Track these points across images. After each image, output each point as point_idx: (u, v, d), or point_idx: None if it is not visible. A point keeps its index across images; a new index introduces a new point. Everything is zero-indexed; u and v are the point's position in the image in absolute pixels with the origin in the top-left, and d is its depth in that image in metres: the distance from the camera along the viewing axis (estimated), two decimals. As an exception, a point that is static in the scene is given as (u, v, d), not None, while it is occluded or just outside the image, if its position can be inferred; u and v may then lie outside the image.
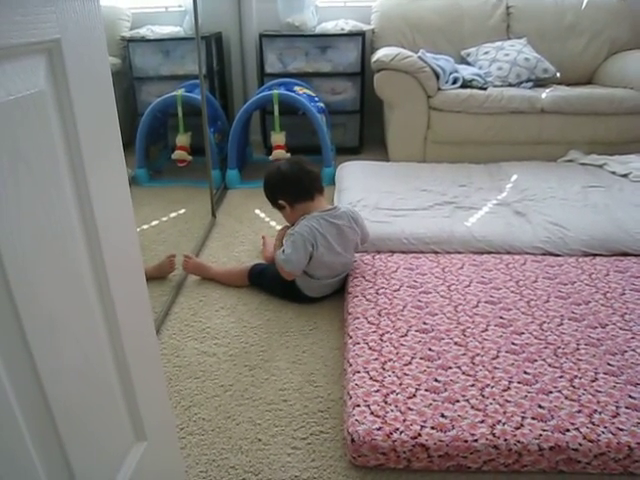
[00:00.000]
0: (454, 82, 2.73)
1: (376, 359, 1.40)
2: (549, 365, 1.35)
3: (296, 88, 2.90)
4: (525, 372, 1.33)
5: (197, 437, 1.32)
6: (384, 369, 1.36)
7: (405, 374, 1.34)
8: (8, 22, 0.57)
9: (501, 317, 1.55)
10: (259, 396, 1.43)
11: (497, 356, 1.39)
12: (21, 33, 0.59)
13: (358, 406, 1.24)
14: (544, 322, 1.52)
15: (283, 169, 1.84)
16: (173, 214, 2.57)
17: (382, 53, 2.70)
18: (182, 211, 2.60)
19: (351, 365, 1.39)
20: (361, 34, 3.01)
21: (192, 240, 2.28)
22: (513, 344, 1.43)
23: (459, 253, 1.93)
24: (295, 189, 1.81)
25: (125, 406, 0.90)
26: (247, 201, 2.71)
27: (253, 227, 2.42)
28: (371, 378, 1.33)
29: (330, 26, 3.06)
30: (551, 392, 1.26)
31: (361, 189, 2.38)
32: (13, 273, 0.59)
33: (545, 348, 1.41)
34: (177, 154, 2.82)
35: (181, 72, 3.08)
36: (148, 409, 0.95)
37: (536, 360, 1.37)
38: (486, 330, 1.49)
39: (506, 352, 1.40)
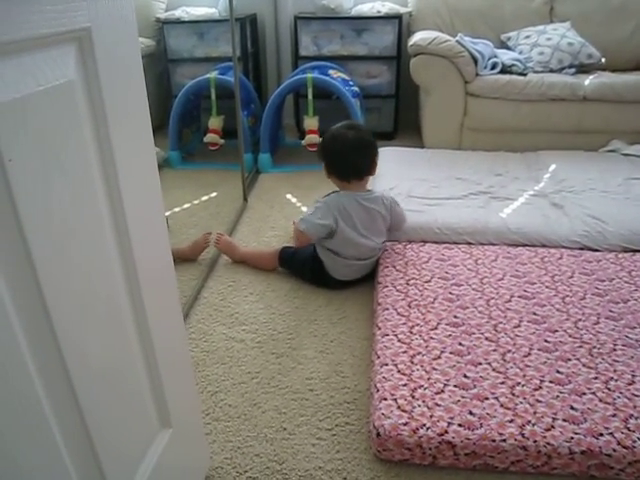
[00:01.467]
0: (493, 67, 2.65)
1: (405, 352, 1.38)
2: (583, 365, 1.31)
3: (330, 72, 2.86)
4: (558, 371, 1.29)
5: (223, 424, 1.32)
6: (412, 362, 1.34)
7: (434, 369, 1.32)
8: (38, 11, 0.56)
9: (534, 313, 1.51)
10: (285, 384, 1.43)
11: (529, 353, 1.35)
12: (51, 22, 0.58)
13: (385, 400, 1.23)
14: (579, 320, 1.47)
15: (352, 138, 1.72)
16: (205, 197, 2.58)
17: (419, 37, 2.64)
18: (214, 194, 2.60)
19: (379, 357, 1.37)
20: (398, 17, 2.94)
21: (223, 224, 2.28)
22: (546, 342, 1.39)
23: (493, 245, 1.89)
24: (341, 163, 1.76)
25: (151, 394, 0.90)
26: (279, 185, 2.69)
27: (284, 212, 2.41)
28: (399, 371, 1.31)
29: (366, 8, 3.00)
30: (584, 394, 1.22)
31: (394, 176, 2.34)
32: (41, 265, 0.58)
33: (580, 347, 1.37)
34: (209, 137, 2.82)
35: (215, 54, 3.07)
36: (174, 396, 0.96)
37: (570, 359, 1.33)
38: (518, 326, 1.46)
39: (538, 350, 1.37)
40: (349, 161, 1.74)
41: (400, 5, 3.05)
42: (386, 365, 1.34)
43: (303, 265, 1.84)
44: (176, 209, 2.44)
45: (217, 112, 2.82)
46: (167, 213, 2.38)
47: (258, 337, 1.62)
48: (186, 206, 2.48)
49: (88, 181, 0.68)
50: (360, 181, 1.78)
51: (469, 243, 1.91)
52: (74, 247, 0.65)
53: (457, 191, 2.19)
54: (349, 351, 1.55)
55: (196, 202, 2.52)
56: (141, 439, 0.88)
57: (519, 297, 1.58)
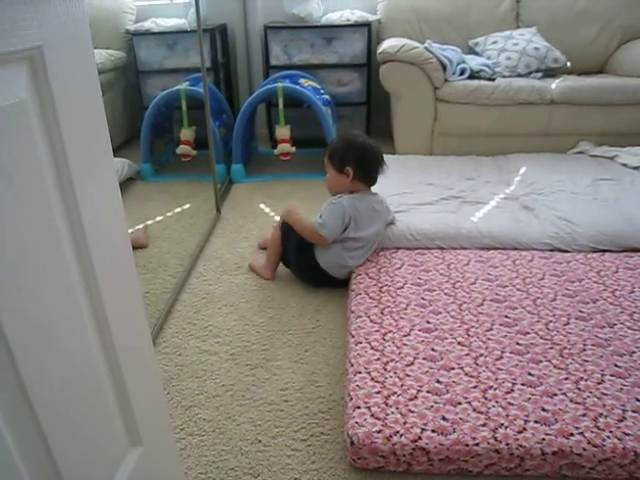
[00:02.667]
0: (461, 73, 2.68)
1: (378, 359, 1.38)
2: (554, 366, 1.32)
3: (301, 80, 2.87)
4: (529, 374, 1.30)
5: (197, 438, 1.31)
6: (386, 370, 1.34)
7: (407, 375, 1.32)
8: (-17, 31, 0.55)
9: (506, 316, 1.52)
10: (260, 396, 1.42)
11: (501, 357, 1.37)
12: (-2, 42, 0.57)
13: (358, 408, 1.23)
14: (550, 321, 1.49)
15: (374, 146, 1.86)
16: (178, 209, 2.56)
17: (388, 44, 2.66)
18: (187, 206, 2.59)
19: (352, 365, 1.37)
20: (367, 24, 2.97)
21: (196, 236, 2.27)
22: (518, 344, 1.41)
23: (465, 249, 1.91)
24: (371, 170, 1.84)
25: (119, 412, 0.89)
26: (252, 195, 2.69)
27: (257, 222, 2.41)
28: (372, 379, 1.31)
29: (336, 17, 3.02)
30: (555, 395, 1.23)
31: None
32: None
33: (551, 349, 1.39)
34: (181, 149, 2.80)
35: (186, 65, 3.05)
36: (143, 414, 0.94)
37: (541, 361, 1.34)
38: (490, 329, 1.47)
39: (510, 353, 1.38)
40: (378, 168, 1.83)
41: (369, 13, 3.08)
42: (359, 373, 1.34)
43: (293, 246, 1.85)
44: (149, 222, 2.42)
45: (188, 123, 2.81)
46: (140, 226, 2.37)
47: (232, 349, 1.61)
48: (159, 219, 2.46)
49: (44, 204, 0.66)
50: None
51: (442, 248, 1.92)
52: (30, 274, 0.64)
53: (429, 196, 2.20)
54: (324, 360, 1.54)
55: (169, 214, 2.51)
56: (109, 459, 0.87)
57: (491, 300, 1.60)
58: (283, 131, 2.79)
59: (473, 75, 2.73)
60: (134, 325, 0.92)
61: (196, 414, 1.38)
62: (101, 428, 0.84)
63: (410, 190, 2.26)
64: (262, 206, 2.57)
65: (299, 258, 1.86)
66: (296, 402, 1.40)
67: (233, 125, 2.85)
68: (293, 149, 2.80)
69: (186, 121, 2.80)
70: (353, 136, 1.90)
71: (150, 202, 2.64)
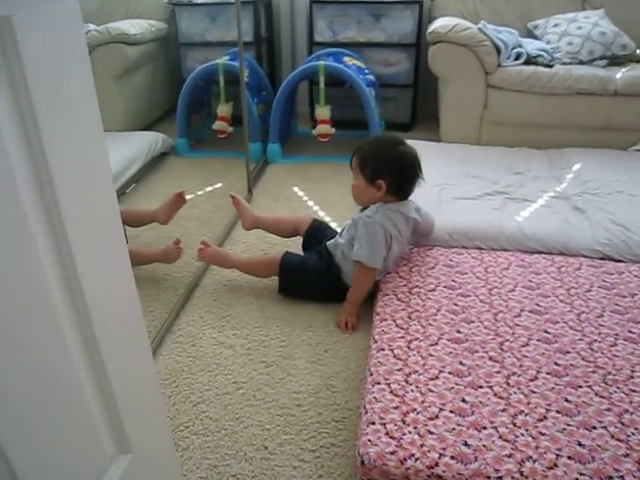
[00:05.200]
0: (517, 58, 2.48)
1: (400, 370, 1.27)
2: (596, 394, 1.19)
3: (345, 59, 2.73)
4: (566, 400, 1.17)
5: (201, 438, 1.24)
6: (407, 382, 1.23)
7: (430, 390, 1.21)
8: None
9: (546, 331, 1.39)
10: (272, 397, 1.34)
11: (536, 377, 1.24)
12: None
13: (373, 424, 1.13)
14: (595, 340, 1.35)
15: (414, 157, 1.60)
16: (209, 188, 2.49)
17: (439, 24, 2.48)
18: (218, 185, 2.51)
19: (372, 374, 1.27)
20: (418, 2, 2.79)
21: (224, 217, 2.19)
22: (556, 364, 1.27)
23: (506, 251, 1.76)
24: (407, 187, 1.61)
25: (103, 417, 0.81)
26: (286, 177, 2.59)
27: (289, 206, 2.31)
28: (392, 392, 1.21)
29: (386, -8, 2.85)
30: (595, 427, 1.10)
31: (406, 172, 2.22)
32: None
33: (593, 372, 1.25)
34: (217, 125, 2.72)
35: (227, 38, 2.95)
36: (133, 418, 0.86)
37: (581, 386, 1.21)
38: (527, 345, 1.34)
39: (547, 374, 1.25)
40: (415, 183, 1.61)
41: (423, -11, 2.89)
42: (378, 384, 1.23)
43: (315, 275, 1.66)
44: (178, 200, 2.35)
45: (226, 99, 2.72)
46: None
47: (248, 343, 1.53)
48: (189, 197, 2.37)
49: (18, 215, 0.58)
50: None
51: (480, 249, 1.78)
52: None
53: (472, 190, 2.05)
54: (343, 363, 1.45)
55: (200, 193, 2.44)
56: (91, 468, 0.80)
57: (530, 312, 1.46)
58: (323, 111, 2.67)
59: (529, 61, 2.52)
60: (121, 314, 0.83)
61: (203, 412, 1.31)
62: (79, 436, 0.76)
63: (452, 182, 2.12)
64: (295, 189, 2.47)
65: (325, 284, 1.66)
66: (309, 407, 1.31)
67: (272, 103, 2.75)
68: (332, 130, 2.68)
69: (223, 97, 2.71)
70: (390, 142, 1.64)
71: (182, 179, 2.58)
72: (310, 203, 2.32)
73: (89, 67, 0.68)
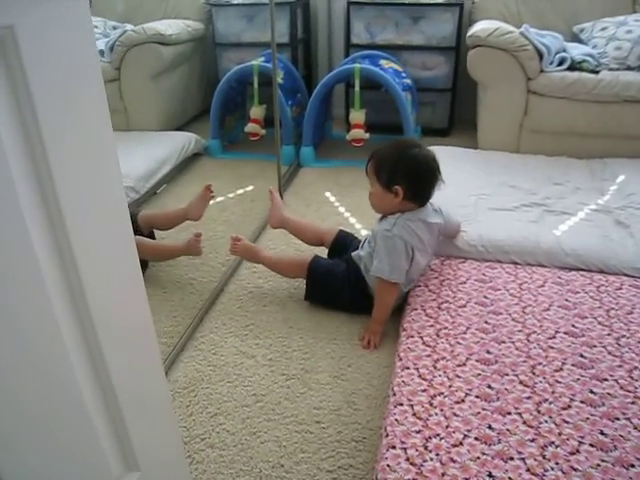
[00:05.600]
0: (560, 63, 2.38)
1: (424, 390, 1.22)
2: (634, 427, 1.11)
3: (382, 62, 2.68)
4: (602, 432, 1.10)
5: (217, 452, 1.21)
6: (431, 404, 1.18)
7: (455, 414, 1.15)
8: None
9: (582, 355, 1.31)
10: (291, 412, 1.31)
11: (569, 406, 1.17)
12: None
13: (393, 448, 1.08)
14: (635, 368, 1.27)
15: (431, 160, 1.53)
16: (240, 191, 2.47)
17: (479, 27, 2.40)
18: (249, 188, 2.49)
19: (394, 394, 1.22)
20: (459, 4, 2.71)
21: (254, 221, 2.17)
22: (591, 392, 1.20)
23: (542, 267, 1.68)
24: (425, 191, 1.54)
25: (109, 433, 0.78)
26: (319, 181, 2.55)
27: (320, 212, 2.27)
28: (415, 414, 1.16)
29: (426, -6, 2.78)
30: (632, 465, 1.03)
31: (440, 180, 2.15)
32: None
33: (632, 404, 1.17)
34: (250, 127, 2.71)
35: (264, 39, 2.92)
36: (141, 435, 0.84)
37: (618, 418, 1.13)
38: (560, 370, 1.27)
39: (581, 402, 1.17)
40: (434, 187, 1.54)
41: (463, -9, 2.81)
42: (401, 405, 1.18)
43: (343, 283, 1.61)
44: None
45: (259, 101, 2.70)
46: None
47: (270, 354, 1.49)
48: (219, 199, 2.37)
49: (22, 237, 0.56)
50: None
51: (516, 263, 1.71)
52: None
53: (509, 201, 1.97)
54: (366, 379, 1.40)
55: (230, 196, 2.42)
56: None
57: (565, 333, 1.38)
58: (357, 115, 2.62)
59: (574, 66, 2.42)
60: (130, 324, 0.80)
61: (220, 424, 1.28)
62: (82, 454, 0.74)
63: (489, 192, 2.04)
64: (327, 194, 2.43)
65: (352, 293, 1.61)
66: (329, 425, 1.27)
67: (307, 105, 2.71)
68: (366, 135, 2.63)
69: (257, 98, 2.69)
70: (405, 146, 1.55)
71: (213, 180, 2.54)
72: (341, 209, 2.28)
73: (100, 77, 0.65)
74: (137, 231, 1.81)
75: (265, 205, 2.28)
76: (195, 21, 3.00)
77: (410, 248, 1.50)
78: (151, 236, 1.87)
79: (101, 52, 2.70)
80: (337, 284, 1.61)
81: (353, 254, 1.63)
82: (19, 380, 0.61)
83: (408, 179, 1.49)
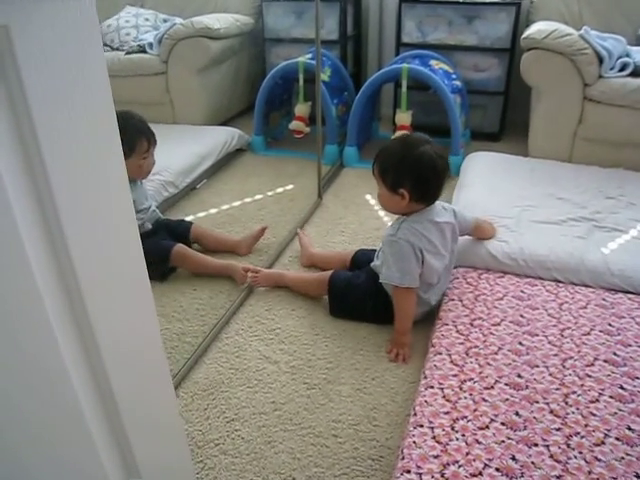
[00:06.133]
0: (622, 68, 2.24)
1: (447, 413, 1.16)
2: (673, 473, 1.02)
3: (432, 62, 2.59)
4: (637, 475, 1.02)
5: (229, 459, 1.19)
6: (453, 429, 1.12)
7: (477, 441, 1.09)
8: None
9: (621, 386, 1.22)
10: (309, 424, 1.27)
11: (602, 442, 1.09)
12: None
13: (408, 472, 1.03)
14: (679, 405, 1.17)
15: (437, 160, 1.43)
16: (280, 189, 2.45)
17: (535, 28, 2.29)
18: (289, 187, 2.47)
19: (415, 414, 1.17)
20: (516, 3, 2.59)
21: (291, 222, 2.14)
22: (629, 429, 1.11)
23: (586, 287, 1.58)
24: (432, 192, 1.47)
25: (106, 439, 0.77)
26: (360, 183, 2.50)
27: (359, 215, 2.23)
28: (434, 437, 1.11)
29: (481, -8, 2.67)
30: (667, 515, 0.95)
31: (484, 188, 2.06)
32: None
33: (673, 445, 1.08)
34: (294, 124, 2.68)
35: (312, 35, 2.88)
36: (142, 440, 0.82)
37: (655, 461, 1.05)
38: (596, 401, 1.18)
39: (616, 439, 1.09)
40: (441, 187, 1.46)
41: (521, -10, 2.69)
42: (421, 427, 1.13)
43: (364, 293, 1.56)
44: (247, 199, 2.33)
45: (304, 98, 2.67)
46: (237, 203, 2.29)
47: (294, 360, 1.46)
48: (258, 197, 2.36)
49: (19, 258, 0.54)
50: None
51: (558, 281, 1.62)
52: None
53: (556, 214, 1.87)
54: (390, 395, 1.35)
55: (270, 194, 2.40)
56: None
57: (605, 361, 1.30)
58: (403, 117, 2.55)
59: (637, 72, 2.27)
60: (133, 333, 0.78)
61: (236, 430, 1.26)
62: (79, 459, 0.73)
63: (535, 203, 1.94)
64: (368, 197, 2.38)
65: (375, 302, 1.55)
66: (346, 440, 1.23)
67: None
68: (412, 138, 2.55)
69: (302, 96, 2.66)
70: (410, 144, 1.45)
71: (255, 177, 2.56)
72: (381, 213, 2.22)
73: (106, 81, 0.63)
74: (187, 240, 1.89)
75: (304, 205, 2.26)
76: (245, 15, 3.00)
77: (418, 250, 1.44)
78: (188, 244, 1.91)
79: (150, 45, 2.73)
80: (359, 294, 1.57)
81: (372, 264, 1.58)
82: (15, 386, 0.59)
83: (413, 181, 1.43)
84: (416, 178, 1.42)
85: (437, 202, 1.51)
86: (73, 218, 0.59)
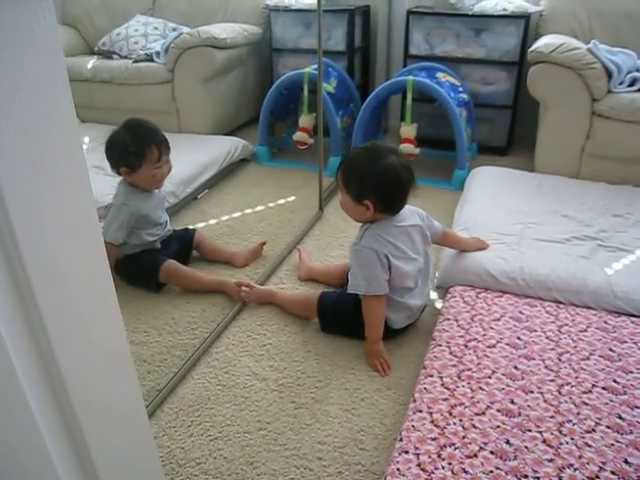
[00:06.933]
0: (631, 83, 2.19)
1: (435, 439, 1.12)
2: (669, 510, 0.97)
3: (439, 74, 2.56)
4: (630, 512, 0.97)
5: (210, 479, 1.16)
6: (440, 456, 1.08)
7: (464, 470, 1.05)
8: None
9: (619, 416, 1.17)
10: (293, 445, 1.24)
11: (597, 476, 1.04)
12: None
13: (390, 502, 0.99)
14: (680, 438, 1.12)
15: (401, 171, 1.41)
16: (281, 201, 2.42)
17: (543, 42, 2.24)
18: (291, 198, 2.44)
19: (402, 440, 1.13)
20: (525, 16, 2.55)
21: (290, 234, 2.11)
22: (626, 462, 1.06)
23: (588, 309, 1.53)
24: (396, 203, 1.46)
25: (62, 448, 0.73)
26: (363, 196, 2.46)
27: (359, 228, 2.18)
28: (419, 465, 1.06)
29: (490, 5, 2.63)
30: None
31: (488, 203, 2.02)
32: None
33: (671, 481, 1.03)
34: (297, 136, 2.66)
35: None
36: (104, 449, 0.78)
37: (651, 497, 1.00)
38: (592, 431, 1.13)
39: (612, 472, 1.04)
40: (406, 198, 1.45)
41: (531, 3, 2.65)
42: (406, 453, 1.09)
43: (353, 309, 1.51)
44: (247, 210, 2.31)
45: (309, 109, 2.64)
46: (237, 214, 2.27)
47: (283, 378, 1.43)
48: (259, 209, 2.34)
49: None
50: None
51: (558, 302, 1.57)
52: None
53: (559, 232, 1.82)
54: (378, 417, 1.31)
55: (271, 205, 2.38)
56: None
57: (604, 389, 1.24)
58: (408, 130, 2.52)
59: (648, 88, 2.23)
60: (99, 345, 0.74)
61: (219, 449, 1.23)
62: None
63: (538, 220, 1.90)
64: (370, 210, 2.34)
65: (359, 319, 1.50)
66: (330, 463, 1.19)
67: (357, 116, 2.64)
68: (416, 151, 2.52)
69: (306, 107, 2.64)
70: (374, 154, 1.43)
71: (257, 188, 2.53)
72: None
73: (68, 92, 0.60)
74: (191, 247, 1.92)
75: (304, 217, 2.23)
76: (253, 25, 2.99)
77: (383, 257, 1.42)
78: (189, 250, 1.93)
79: (157, 54, 2.74)
80: (348, 311, 1.53)
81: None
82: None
83: (377, 193, 1.41)
84: (381, 191, 1.41)
85: (407, 206, 1.49)
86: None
